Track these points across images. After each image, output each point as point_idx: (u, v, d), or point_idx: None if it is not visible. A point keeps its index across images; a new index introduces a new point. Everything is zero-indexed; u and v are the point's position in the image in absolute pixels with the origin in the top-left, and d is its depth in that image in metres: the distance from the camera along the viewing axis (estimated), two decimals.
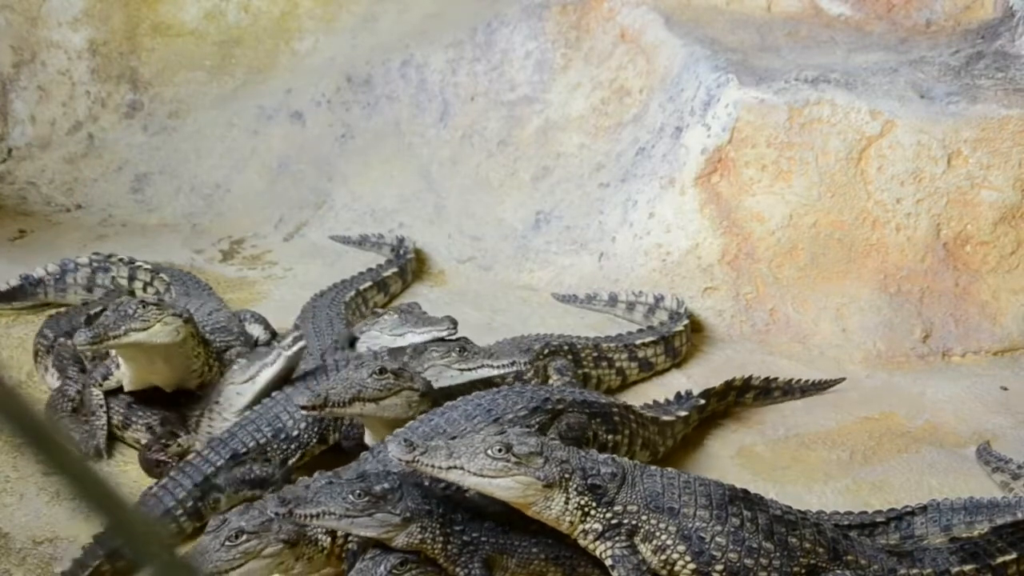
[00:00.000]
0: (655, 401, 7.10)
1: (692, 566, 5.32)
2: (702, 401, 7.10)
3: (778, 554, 5.33)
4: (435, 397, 6.59)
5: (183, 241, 9.65)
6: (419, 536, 5.41)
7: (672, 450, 6.90)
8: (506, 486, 5.27)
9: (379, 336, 7.23)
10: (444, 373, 6.62)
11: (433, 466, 5.25)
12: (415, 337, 7.11)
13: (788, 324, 8.24)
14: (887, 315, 8.07)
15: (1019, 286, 7.99)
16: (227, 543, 5.53)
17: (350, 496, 5.38)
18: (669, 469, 5.67)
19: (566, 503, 5.30)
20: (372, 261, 9.01)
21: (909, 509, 5.95)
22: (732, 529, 5.33)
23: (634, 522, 5.33)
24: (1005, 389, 7.59)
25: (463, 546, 5.45)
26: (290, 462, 6.49)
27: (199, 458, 6.35)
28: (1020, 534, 5.72)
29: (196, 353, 6.70)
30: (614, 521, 5.32)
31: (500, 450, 5.24)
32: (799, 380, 7.57)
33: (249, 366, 6.69)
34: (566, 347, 7.48)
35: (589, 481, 5.33)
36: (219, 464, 6.32)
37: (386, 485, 5.44)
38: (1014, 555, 5.64)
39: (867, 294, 8.13)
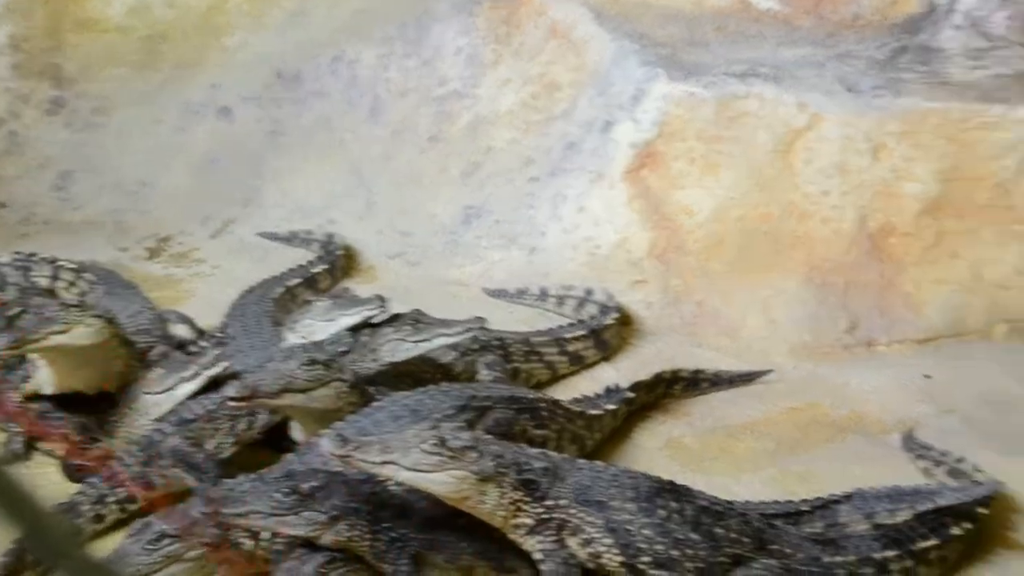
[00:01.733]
0: (584, 395, 7.12)
1: (619, 559, 5.34)
2: (631, 394, 7.13)
3: (704, 545, 5.37)
4: (364, 389, 6.57)
5: (108, 239, 9.55)
6: (347, 534, 5.39)
7: (601, 443, 6.92)
8: (440, 480, 5.26)
9: (312, 323, 7.21)
10: (400, 347, 6.62)
11: (366, 461, 5.23)
12: (347, 319, 7.10)
13: (716, 316, 8.29)
14: (813, 307, 8.14)
15: (941, 277, 8.08)
16: (148, 547, 5.47)
17: (277, 495, 5.35)
18: (597, 463, 5.69)
19: (500, 497, 5.30)
20: (301, 258, 8.96)
21: (834, 497, 6.00)
22: (659, 521, 5.36)
23: (564, 516, 5.34)
24: (928, 378, 7.67)
25: (391, 543, 5.44)
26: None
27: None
28: (941, 520, 5.81)
29: (118, 355, 6.62)
30: (545, 516, 5.33)
31: (434, 444, 5.23)
32: (727, 372, 7.63)
33: (166, 377, 6.63)
34: (496, 342, 7.47)
35: (523, 476, 5.33)
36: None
37: (313, 483, 5.41)
38: (935, 541, 5.72)
39: (794, 286, 8.20)
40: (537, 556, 5.36)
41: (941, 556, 5.77)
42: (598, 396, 7.10)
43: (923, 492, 6.02)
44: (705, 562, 5.36)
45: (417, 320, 6.73)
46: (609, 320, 8.03)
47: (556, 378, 7.73)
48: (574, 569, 5.32)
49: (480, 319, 6.87)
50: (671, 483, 5.57)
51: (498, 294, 8.71)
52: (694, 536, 5.38)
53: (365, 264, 9.25)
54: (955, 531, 5.81)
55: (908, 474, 6.50)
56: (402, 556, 5.43)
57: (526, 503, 5.34)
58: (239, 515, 5.35)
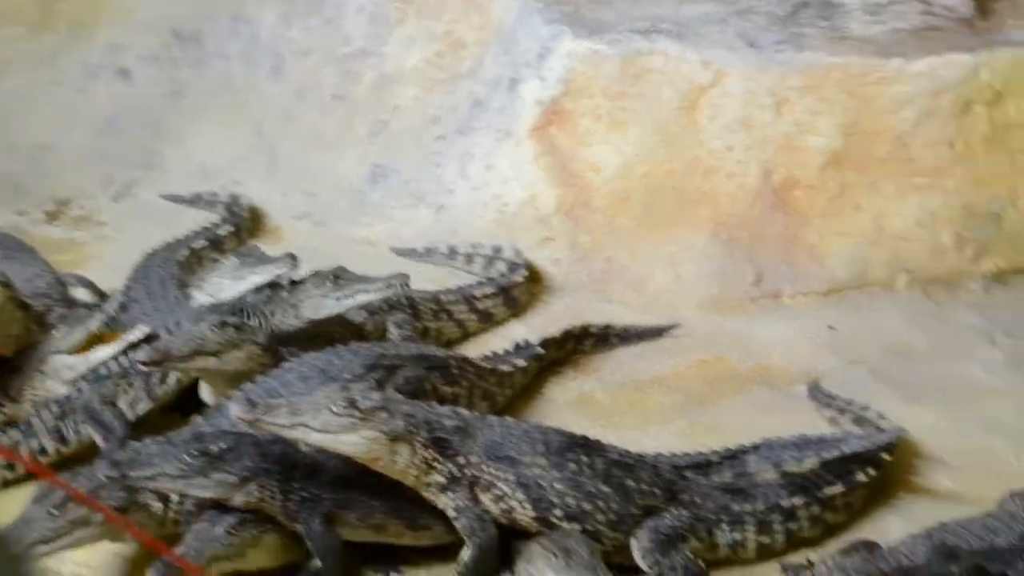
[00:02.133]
0: (494, 352, 7.13)
1: (532, 513, 5.37)
2: (541, 350, 7.15)
3: (615, 497, 5.43)
4: (277, 351, 6.51)
5: (5, 202, 9.31)
6: (257, 495, 5.36)
7: (512, 399, 6.94)
8: (351, 441, 5.24)
9: (220, 281, 7.11)
10: (322, 304, 6.55)
11: (276, 424, 5.20)
12: (256, 278, 7.01)
13: (624, 272, 8.33)
14: (720, 261, 8.21)
15: (845, 229, 8.20)
16: (53, 511, 5.39)
17: (185, 457, 5.30)
18: (508, 419, 5.72)
19: (412, 457, 5.30)
20: (206, 220, 8.83)
21: (742, 447, 6.09)
22: (570, 475, 5.40)
23: (475, 473, 5.36)
24: (833, 329, 7.80)
25: (302, 503, 5.42)
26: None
27: None
28: (847, 467, 5.92)
29: (15, 318, 6.49)
30: (457, 473, 5.35)
31: (344, 405, 5.21)
32: (635, 327, 7.68)
33: (72, 331, 6.50)
34: (405, 301, 7.44)
35: (434, 435, 5.34)
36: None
37: (222, 444, 5.37)
38: (841, 487, 5.83)
39: (700, 241, 8.26)
40: (451, 513, 5.37)
41: (847, 502, 5.89)
42: (508, 353, 7.11)
43: (829, 440, 6.13)
44: (617, 514, 5.42)
45: (338, 277, 6.67)
46: (518, 277, 8.03)
47: (466, 336, 7.72)
48: (488, 524, 5.35)
49: (403, 275, 6.79)
50: (582, 437, 5.61)
51: (407, 253, 8.66)
52: (605, 489, 5.43)
53: (271, 225, 9.16)
54: (860, 478, 5.93)
55: (814, 423, 6.61)
56: (314, 516, 5.41)
57: (438, 461, 5.34)
58: (147, 478, 5.29)
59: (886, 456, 6.10)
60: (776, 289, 8.16)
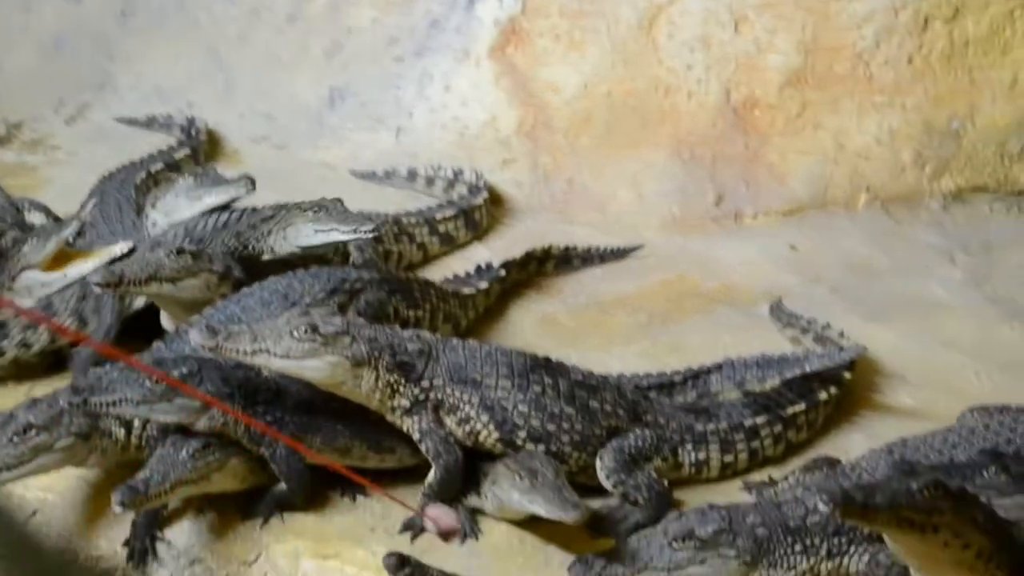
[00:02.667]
0: (456, 275, 7.10)
1: (496, 435, 5.38)
2: (503, 272, 7.13)
3: (580, 418, 5.45)
4: (238, 278, 6.44)
5: None
6: (221, 419, 5.34)
7: (475, 322, 6.93)
8: (314, 367, 5.22)
9: (175, 200, 7.02)
10: (302, 231, 6.47)
11: (238, 351, 5.16)
12: (211, 199, 6.92)
13: (586, 193, 8.32)
14: (681, 180, 8.20)
15: (805, 147, 8.20)
16: (15, 438, 5.35)
17: (147, 382, 5.25)
18: (471, 341, 5.70)
19: (375, 381, 5.29)
20: (161, 143, 8.71)
21: (705, 368, 6.11)
22: (533, 397, 5.41)
23: (439, 396, 5.36)
24: (794, 248, 7.83)
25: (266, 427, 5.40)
26: None
27: None
28: (808, 386, 5.96)
29: None
30: (421, 397, 5.34)
31: (306, 331, 5.18)
32: (598, 248, 7.67)
33: (42, 243, 6.40)
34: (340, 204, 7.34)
35: (397, 359, 5.32)
36: None
37: (184, 370, 5.33)
38: (803, 406, 5.88)
39: (662, 160, 8.25)
40: (415, 436, 5.38)
41: (809, 420, 5.94)
42: (470, 275, 7.09)
43: (790, 359, 6.15)
44: (581, 435, 5.44)
45: (323, 208, 6.54)
46: (479, 200, 7.99)
47: (427, 259, 7.69)
48: (452, 447, 5.36)
49: (378, 226, 6.62)
50: (546, 359, 5.61)
51: (367, 176, 8.60)
52: (569, 410, 5.44)
53: (229, 148, 9.06)
54: (822, 396, 5.97)
55: (776, 342, 6.64)
56: (278, 440, 5.40)
57: (402, 385, 5.34)
58: (109, 404, 5.25)
59: (847, 374, 6.15)
60: (737, 209, 8.17)
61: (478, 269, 7.14)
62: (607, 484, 5.42)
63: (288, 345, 5.17)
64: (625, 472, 5.41)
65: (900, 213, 8.14)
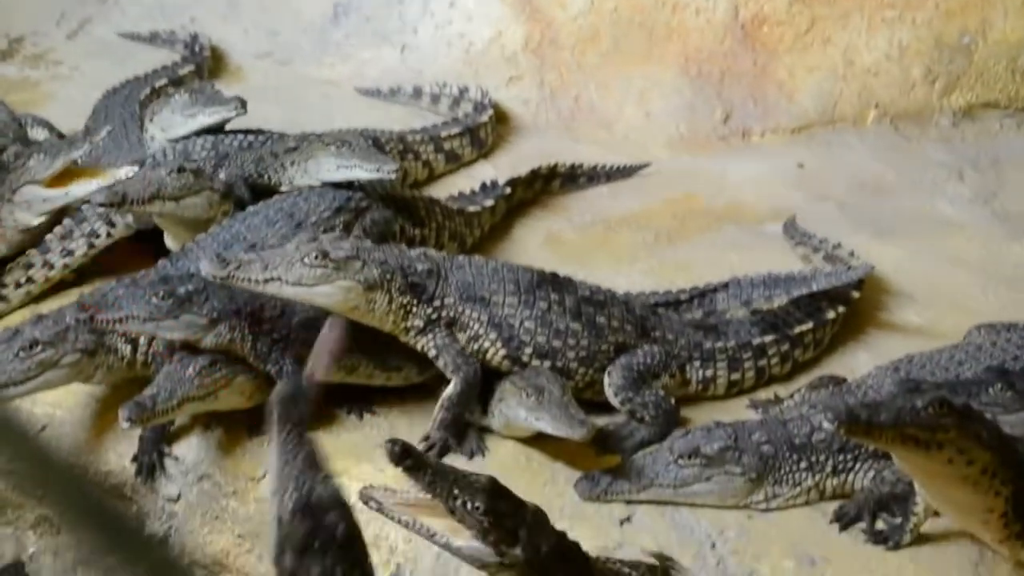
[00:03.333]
0: (461, 192, 7.07)
1: (503, 352, 5.39)
2: (508, 190, 7.10)
3: (586, 334, 5.44)
4: (240, 197, 6.43)
5: None
6: (227, 336, 5.35)
7: (480, 240, 6.92)
8: (327, 293, 5.20)
9: (171, 116, 6.98)
10: (323, 166, 6.41)
11: (249, 280, 5.14)
12: (205, 118, 6.89)
13: (593, 110, 8.25)
14: (689, 97, 8.13)
15: (814, 64, 8.11)
16: (21, 354, 5.37)
17: (154, 299, 5.26)
18: (477, 257, 5.68)
19: (389, 304, 5.27)
20: (165, 59, 8.62)
21: (712, 286, 6.10)
22: (539, 313, 5.41)
23: (451, 314, 5.35)
24: (801, 166, 7.77)
25: (272, 344, 5.41)
26: None
27: None
28: (816, 305, 5.95)
29: None
30: (433, 316, 5.34)
31: (316, 257, 5.15)
32: (604, 166, 7.62)
33: (49, 160, 6.36)
34: (370, 142, 7.31)
35: (409, 280, 5.30)
36: None
37: (190, 287, 5.33)
38: (810, 324, 5.87)
39: (669, 77, 8.17)
40: (431, 353, 5.37)
41: (816, 339, 5.94)
42: (475, 193, 7.06)
43: (797, 278, 6.14)
44: (587, 350, 5.44)
45: (346, 143, 6.47)
46: (484, 117, 7.93)
47: (433, 177, 7.64)
48: (470, 358, 5.35)
49: (396, 169, 6.42)
50: (552, 274, 5.60)
51: (372, 93, 8.53)
52: (575, 326, 5.44)
53: (232, 65, 8.96)
54: (830, 315, 5.97)
55: (783, 261, 6.61)
56: (284, 357, 5.41)
57: (414, 306, 5.32)
58: (116, 320, 5.26)
59: (855, 293, 6.14)
60: (745, 126, 8.11)
61: (483, 187, 7.11)
62: (615, 401, 5.43)
63: (300, 272, 5.15)
64: (633, 390, 5.41)
65: (909, 130, 8.08)
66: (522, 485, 5.07)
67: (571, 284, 5.59)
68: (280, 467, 3.88)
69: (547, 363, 5.39)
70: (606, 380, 5.45)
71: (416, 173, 7.55)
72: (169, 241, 6.33)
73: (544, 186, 7.47)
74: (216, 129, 6.98)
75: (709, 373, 5.66)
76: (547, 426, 5.04)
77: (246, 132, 7.00)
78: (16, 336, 5.41)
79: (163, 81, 8.14)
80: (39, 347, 5.37)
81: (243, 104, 6.91)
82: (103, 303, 5.35)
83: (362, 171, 6.29)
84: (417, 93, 8.41)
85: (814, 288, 5.99)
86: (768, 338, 5.77)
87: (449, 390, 5.32)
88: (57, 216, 6.41)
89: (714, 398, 5.71)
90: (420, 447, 5.12)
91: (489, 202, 6.97)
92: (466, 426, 5.35)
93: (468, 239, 6.83)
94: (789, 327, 5.84)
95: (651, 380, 5.49)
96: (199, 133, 6.93)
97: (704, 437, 4.97)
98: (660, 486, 4.94)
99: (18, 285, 6.34)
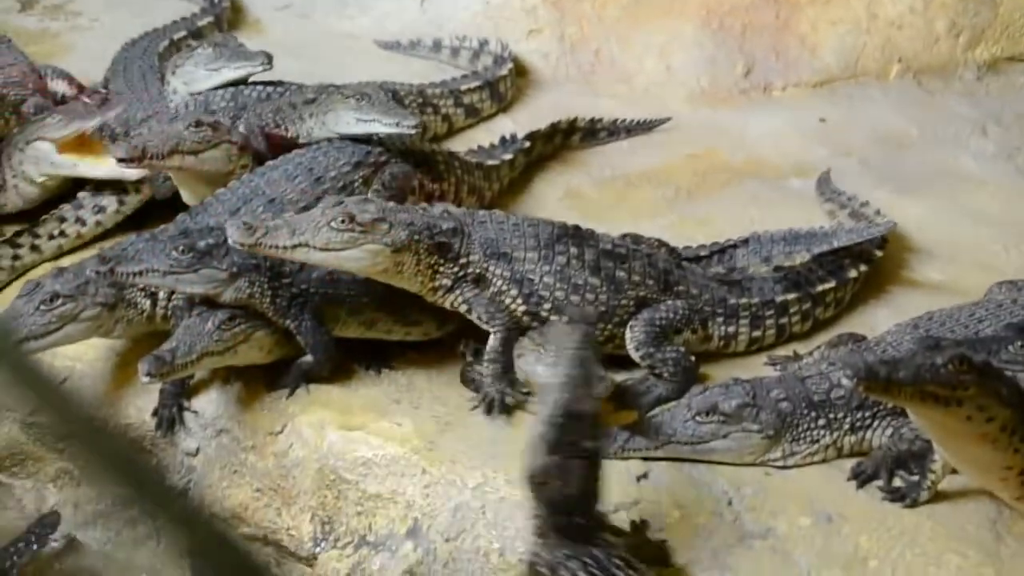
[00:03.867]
0: (480, 146, 7.05)
1: (523, 307, 5.38)
2: (527, 144, 7.07)
3: (604, 288, 5.42)
4: (258, 150, 6.42)
5: None
6: (247, 291, 5.36)
7: (499, 194, 6.90)
8: (355, 257, 5.18)
9: (194, 71, 6.98)
10: (342, 118, 6.38)
11: (277, 247, 5.12)
12: (230, 73, 6.91)
13: (613, 64, 8.19)
14: (710, 51, 8.07)
15: (837, 17, 8.03)
16: (42, 307, 5.40)
17: (174, 253, 5.27)
18: (497, 212, 5.66)
19: (417, 264, 5.26)
20: (184, 10, 8.59)
21: (731, 242, 6.07)
22: (558, 268, 5.39)
23: (476, 271, 5.34)
24: (823, 121, 7.72)
25: (292, 299, 5.42)
26: None
27: None
28: (839, 263, 5.91)
29: None
30: (460, 274, 5.33)
31: (343, 221, 5.13)
32: (624, 120, 7.58)
33: (66, 123, 6.39)
34: (389, 95, 7.29)
35: (436, 239, 5.29)
36: None
37: (210, 240, 5.33)
38: (832, 283, 5.84)
39: (690, 31, 8.10)
40: (463, 308, 5.35)
41: (838, 298, 5.90)
42: (494, 147, 7.03)
43: (818, 235, 6.10)
44: (606, 305, 5.42)
45: (366, 96, 6.43)
46: (504, 71, 7.89)
47: (452, 131, 7.62)
48: (503, 308, 5.34)
49: (417, 125, 6.34)
50: (575, 227, 5.55)
51: (391, 46, 8.49)
52: (594, 280, 5.41)
53: (252, 17, 8.93)
54: (852, 273, 5.92)
55: (804, 216, 6.57)
56: (304, 312, 5.42)
57: (441, 265, 5.31)
58: (135, 274, 5.27)
59: (878, 252, 6.10)
60: (767, 81, 8.05)
61: (503, 140, 7.08)
62: (635, 356, 5.42)
63: (327, 237, 5.12)
64: (654, 345, 5.39)
65: (932, 84, 8.01)
66: None
67: (593, 237, 5.55)
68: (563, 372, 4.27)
69: (564, 318, 5.38)
70: (628, 335, 5.43)
71: (435, 127, 7.52)
72: (186, 197, 6.33)
73: (564, 140, 7.44)
74: (236, 81, 6.98)
75: (731, 329, 5.63)
76: None
77: (265, 84, 6.99)
78: (37, 290, 5.43)
79: (182, 33, 8.13)
80: (59, 301, 5.40)
81: (269, 59, 6.92)
82: (123, 257, 5.36)
83: (381, 125, 6.26)
84: (437, 46, 8.37)
85: (835, 245, 5.94)
86: (791, 296, 5.74)
87: (491, 343, 5.30)
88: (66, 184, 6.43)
89: (735, 355, 5.70)
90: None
91: (508, 156, 6.94)
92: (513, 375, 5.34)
93: (487, 193, 6.81)
94: (811, 285, 5.80)
95: (673, 336, 5.47)
96: (221, 86, 6.93)
97: (722, 394, 4.97)
98: (678, 443, 4.93)
99: (51, 237, 6.37)
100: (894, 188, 6.92)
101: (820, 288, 5.80)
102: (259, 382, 5.55)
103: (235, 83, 6.96)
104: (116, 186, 6.43)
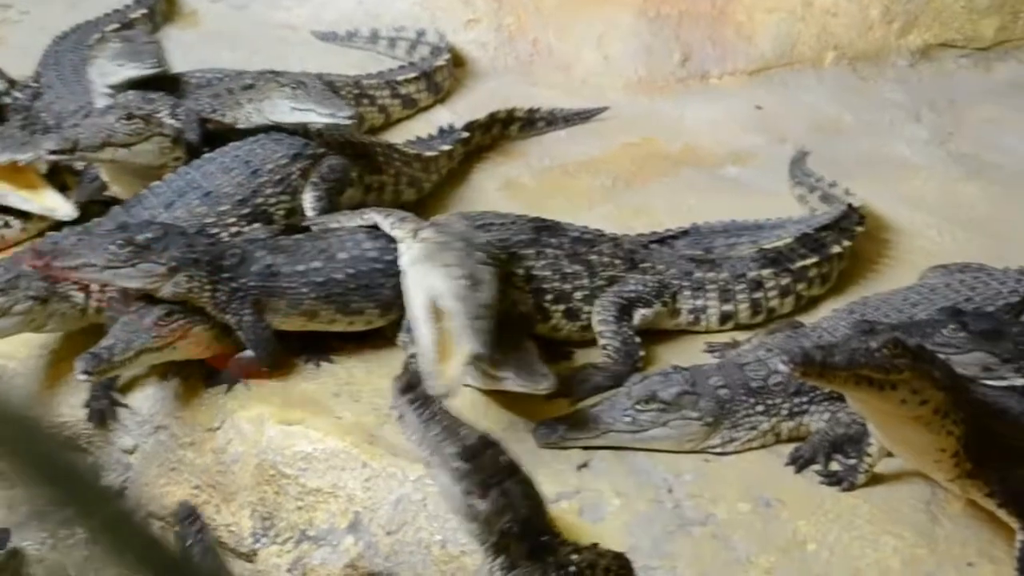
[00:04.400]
0: (419, 137, 7.02)
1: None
2: (465, 134, 7.06)
3: (585, 273, 5.49)
4: (190, 143, 6.35)
5: None
6: (186, 285, 5.31)
7: (439, 185, 6.88)
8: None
9: (105, 64, 6.88)
10: (278, 107, 6.31)
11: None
12: (130, 72, 6.77)
13: (551, 54, 8.20)
14: (647, 40, 8.09)
15: (772, 5, 8.08)
16: None
17: (111, 247, 5.21)
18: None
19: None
20: (116, 3, 8.48)
21: (671, 232, 6.08)
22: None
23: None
24: (759, 108, 7.77)
25: (231, 293, 5.37)
26: None
27: None
28: (821, 241, 5.92)
29: None
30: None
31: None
32: (562, 110, 7.59)
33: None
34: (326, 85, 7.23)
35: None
36: None
37: (149, 234, 5.28)
38: (816, 259, 5.85)
39: (628, 20, 8.12)
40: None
41: (822, 275, 5.91)
42: (432, 137, 7.02)
43: (765, 227, 6.08)
44: (588, 289, 5.48)
45: (302, 84, 6.37)
46: (441, 61, 7.87)
47: (390, 122, 7.59)
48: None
49: (354, 117, 6.34)
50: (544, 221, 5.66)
51: (328, 37, 8.45)
52: (576, 267, 5.50)
53: (186, 9, 8.84)
54: (835, 249, 5.95)
55: (742, 204, 6.59)
56: (244, 305, 5.38)
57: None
58: (72, 268, 5.20)
59: (859, 228, 6.12)
60: (703, 69, 8.08)
61: (441, 131, 7.07)
62: (596, 326, 5.49)
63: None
64: (615, 319, 5.47)
65: (867, 71, 8.08)
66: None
67: (560, 226, 5.66)
68: (423, 436, 4.20)
69: (561, 306, 5.46)
70: (595, 306, 5.51)
71: (372, 119, 7.49)
72: (117, 191, 6.25)
73: (502, 131, 7.43)
74: (140, 79, 6.85)
75: (700, 303, 5.68)
76: (512, 384, 5.05)
77: (205, 72, 6.94)
78: None
79: (114, 25, 8.02)
80: None
81: (159, 61, 6.80)
82: (58, 251, 5.28)
83: (316, 115, 6.19)
84: (373, 37, 8.34)
85: (784, 239, 5.91)
86: (766, 272, 5.76)
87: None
88: None
89: (708, 332, 5.73)
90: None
91: (447, 146, 6.92)
92: None
93: (426, 184, 6.79)
94: (791, 261, 5.82)
95: (638, 311, 5.52)
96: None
97: (661, 382, 4.99)
98: (618, 432, 4.95)
99: None
100: (830, 174, 6.93)
101: (800, 264, 5.81)
102: (197, 377, 5.50)
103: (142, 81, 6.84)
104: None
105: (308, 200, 6.08)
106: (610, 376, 5.32)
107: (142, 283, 5.26)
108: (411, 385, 4.32)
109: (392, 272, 5.42)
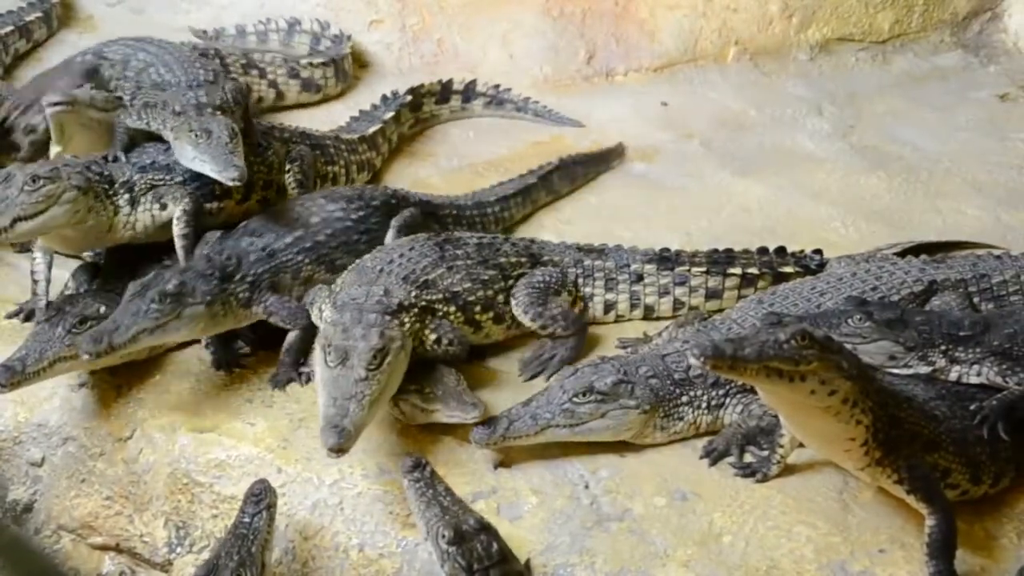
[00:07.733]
0: (361, 111, 7.17)
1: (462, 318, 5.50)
2: (409, 97, 7.30)
3: (499, 276, 5.57)
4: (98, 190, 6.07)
5: None
6: (222, 311, 5.41)
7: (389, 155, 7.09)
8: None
9: None
10: (182, 152, 5.89)
11: None
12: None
13: (456, 54, 8.20)
14: (552, 38, 8.13)
15: (674, 1, 8.16)
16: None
17: (152, 306, 5.18)
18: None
19: None
20: (11, 4, 8.30)
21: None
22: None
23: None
24: (665, 105, 7.84)
25: (250, 289, 5.50)
26: None
27: None
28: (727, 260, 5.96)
29: None
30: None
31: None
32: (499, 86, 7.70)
33: None
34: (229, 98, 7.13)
35: None
36: None
37: (175, 282, 5.26)
38: (704, 269, 5.90)
39: (531, 19, 8.15)
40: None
41: (710, 288, 5.94)
42: (376, 107, 7.20)
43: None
44: (506, 291, 5.57)
45: (209, 134, 6.11)
46: (346, 50, 7.98)
47: (286, 104, 7.70)
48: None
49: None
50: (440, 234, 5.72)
51: (218, 34, 8.37)
52: (491, 272, 5.52)
53: (83, 13, 8.70)
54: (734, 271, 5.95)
55: (648, 199, 6.67)
56: (264, 293, 5.51)
57: None
58: (130, 340, 5.11)
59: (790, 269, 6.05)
60: (608, 67, 8.14)
61: (384, 98, 7.25)
62: (526, 320, 5.55)
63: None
64: (540, 305, 5.54)
65: (769, 65, 8.20)
66: (397, 434, 5.09)
67: (460, 238, 5.72)
68: (422, 514, 4.43)
69: (490, 313, 5.53)
70: (513, 304, 5.57)
71: (261, 92, 7.58)
72: (64, 250, 6.00)
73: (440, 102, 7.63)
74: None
75: (588, 291, 5.74)
76: (442, 415, 5.04)
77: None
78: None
79: (8, 28, 7.87)
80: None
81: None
82: (108, 330, 5.10)
83: (209, 170, 5.82)
84: (262, 36, 8.27)
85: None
86: (650, 267, 5.81)
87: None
88: None
89: (597, 324, 5.78)
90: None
91: (390, 113, 7.11)
92: None
93: (377, 162, 7.00)
94: (681, 264, 5.87)
95: (553, 296, 5.60)
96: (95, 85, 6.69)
97: (595, 373, 4.99)
98: (557, 426, 4.93)
99: None
100: (735, 169, 7.08)
101: (689, 269, 5.88)
102: (107, 386, 5.43)
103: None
104: None
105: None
106: (571, 347, 5.48)
107: (189, 330, 5.31)
108: (416, 465, 4.53)
109: (363, 229, 5.79)
